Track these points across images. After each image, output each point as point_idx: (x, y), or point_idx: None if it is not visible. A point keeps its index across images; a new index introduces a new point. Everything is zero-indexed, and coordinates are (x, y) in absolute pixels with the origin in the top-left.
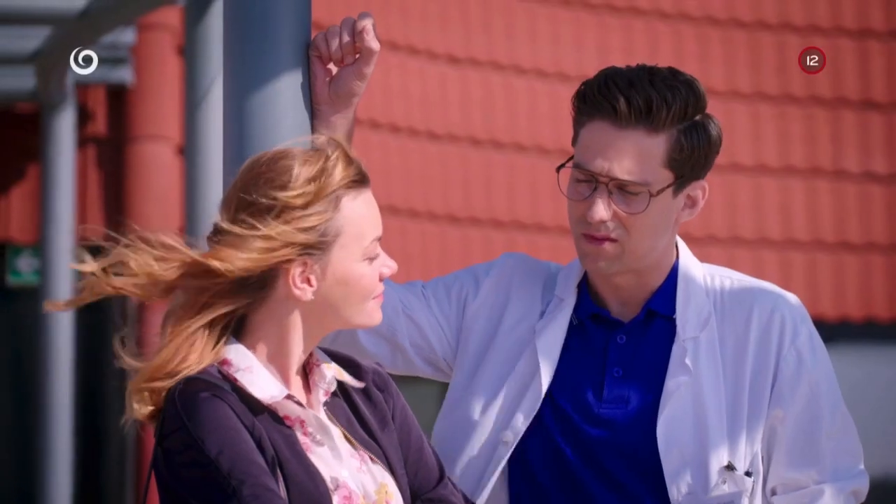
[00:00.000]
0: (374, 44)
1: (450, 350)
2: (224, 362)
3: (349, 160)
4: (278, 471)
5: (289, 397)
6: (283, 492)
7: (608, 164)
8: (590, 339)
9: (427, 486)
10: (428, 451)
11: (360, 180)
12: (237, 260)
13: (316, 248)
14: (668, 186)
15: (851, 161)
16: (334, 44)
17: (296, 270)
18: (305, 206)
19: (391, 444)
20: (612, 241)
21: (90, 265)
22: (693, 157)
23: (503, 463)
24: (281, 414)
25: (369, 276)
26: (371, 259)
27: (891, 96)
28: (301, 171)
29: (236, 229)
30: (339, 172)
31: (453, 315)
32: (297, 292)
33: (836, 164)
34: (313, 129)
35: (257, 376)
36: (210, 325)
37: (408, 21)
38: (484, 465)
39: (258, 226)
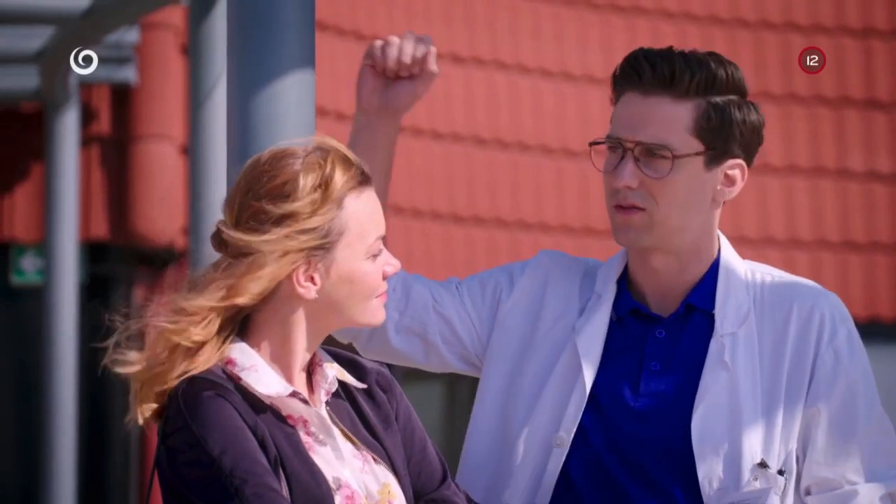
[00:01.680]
0: (435, 68)
1: (480, 346)
2: (228, 361)
3: (349, 162)
4: (281, 470)
5: (294, 394)
6: (285, 491)
7: (633, 130)
8: (629, 335)
9: (430, 486)
10: (431, 451)
11: (362, 181)
12: (254, 287)
13: (320, 247)
14: (695, 154)
15: (855, 160)
16: (392, 57)
17: (300, 269)
18: (313, 213)
19: (394, 444)
20: (641, 210)
21: (131, 361)
22: (724, 130)
23: (561, 465)
24: (284, 413)
25: (373, 275)
26: (374, 257)
27: (894, 95)
28: (307, 181)
29: (242, 242)
30: (339, 176)
31: (486, 311)
32: (301, 291)
33: (840, 163)
34: (351, 137)
35: (262, 374)
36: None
37: (412, 20)
38: (539, 469)
39: (263, 237)
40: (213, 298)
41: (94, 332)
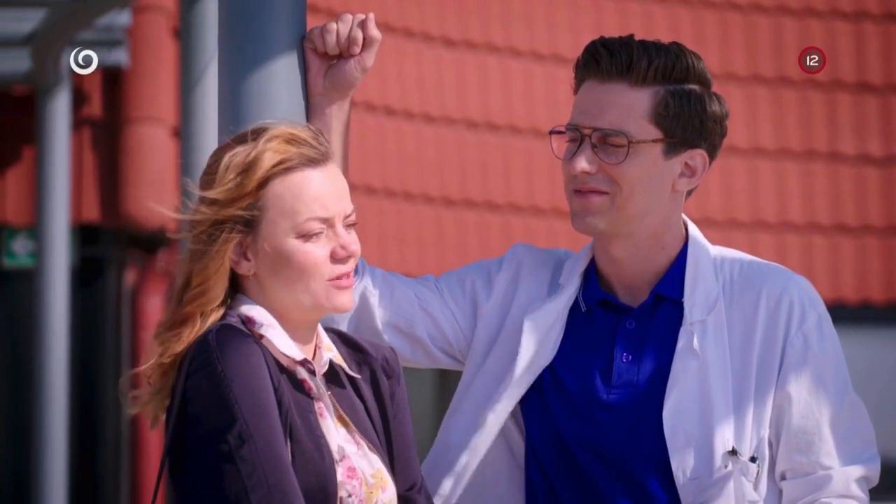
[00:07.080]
0: (377, 32)
1: (464, 341)
2: (248, 320)
3: (290, 144)
4: (287, 436)
5: (304, 362)
6: (288, 456)
7: (591, 116)
8: (598, 326)
9: (402, 487)
10: (414, 454)
11: (308, 161)
12: (204, 272)
13: (242, 221)
14: (653, 141)
15: (847, 144)
16: (331, 39)
17: (231, 244)
18: (231, 200)
19: (387, 436)
20: (602, 193)
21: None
22: (683, 118)
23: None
24: (300, 377)
25: (304, 254)
26: (306, 237)
27: (886, 79)
28: (229, 168)
29: (180, 221)
30: (265, 162)
31: (468, 307)
32: (233, 264)
33: (832, 146)
34: (307, 114)
35: (278, 334)
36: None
37: (404, 4)
38: (503, 461)
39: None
40: (176, 310)
41: (84, 315)
